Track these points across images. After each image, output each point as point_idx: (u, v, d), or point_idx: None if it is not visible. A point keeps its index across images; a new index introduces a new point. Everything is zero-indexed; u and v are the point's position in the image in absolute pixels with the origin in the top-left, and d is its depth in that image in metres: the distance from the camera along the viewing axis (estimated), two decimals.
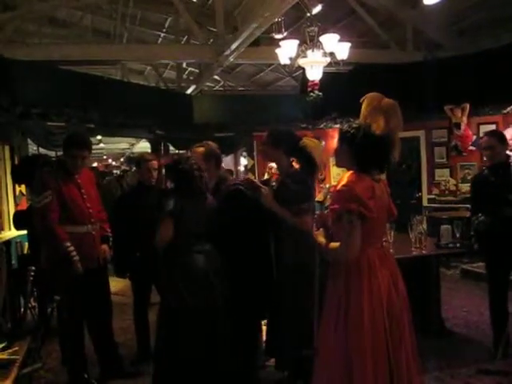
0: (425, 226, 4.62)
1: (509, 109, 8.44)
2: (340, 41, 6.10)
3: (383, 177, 2.80)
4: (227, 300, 3.56)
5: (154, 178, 4.67)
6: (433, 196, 9.39)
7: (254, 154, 11.00)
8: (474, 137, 8.92)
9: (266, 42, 9.13)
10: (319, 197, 3.48)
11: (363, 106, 2.66)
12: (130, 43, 11.46)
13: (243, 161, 14.08)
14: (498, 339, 4.22)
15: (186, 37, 11.49)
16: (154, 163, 4.67)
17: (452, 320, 5.37)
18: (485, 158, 4.63)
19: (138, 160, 4.78)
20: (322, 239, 2.82)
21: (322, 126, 10.24)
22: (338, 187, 2.67)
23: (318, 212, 2.97)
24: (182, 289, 3.45)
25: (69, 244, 3.79)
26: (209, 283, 3.49)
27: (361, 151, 2.66)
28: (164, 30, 12.50)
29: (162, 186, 5.96)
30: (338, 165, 2.88)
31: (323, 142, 4.30)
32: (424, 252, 4.40)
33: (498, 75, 7.95)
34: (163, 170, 5.71)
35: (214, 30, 9.18)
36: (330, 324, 2.70)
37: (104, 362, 4.23)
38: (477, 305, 5.72)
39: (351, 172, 2.70)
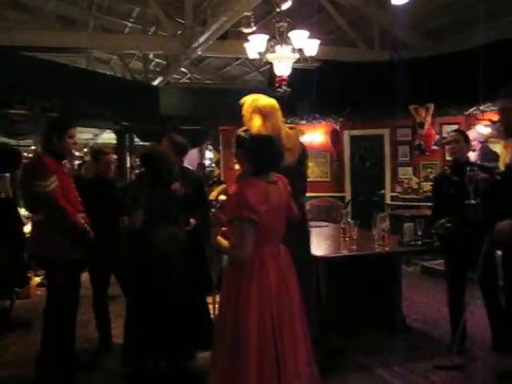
0: (388, 223, 4.68)
1: (471, 110, 8.65)
2: (309, 37, 6.12)
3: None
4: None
5: (111, 171, 4.67)
6: (396, 194, 9.54)
7: (220, 147, 10.97)
8: (437, 136, 9.11)
9: (235, 35, 9.10)
10: (212, 195, 3.59)
11: (243, 109, 2.71)
12: (96, 32, 11.25)
13: (209, 154, 14.03)
14: (455, 335, 4.32)
15: (154, 28, 11.34)
16: (112, 157, 4.69)
17: (412, 316, 5.46)
18: (447, 155, 4.70)
19: (96, 153, 4.72)
20: (216, 235, 2.92)
21: (288, 121, 10.27)
22: (231, 192, 2.78)
23: (213, 210, 3.06)
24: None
25: (79, 219, 3.88)
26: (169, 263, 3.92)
27: (252, 154, 2.75)
28: (131, 20, 12.30)
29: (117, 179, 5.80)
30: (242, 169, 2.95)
31: None
32: (387, 249, 4.46)
33: (462, 77, 8.11)
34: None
35: (183, 21, 9.08)
36: (223, 315, 2.83)
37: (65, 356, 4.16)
38: (436, 301, 5.84)
39: (245, 178, 2.78)
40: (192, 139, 11.74)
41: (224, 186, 3.86)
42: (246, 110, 2.71)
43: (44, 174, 3.73)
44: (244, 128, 2.78)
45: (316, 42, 6.18)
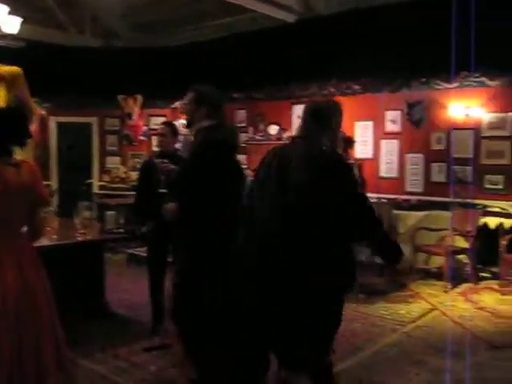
0: (93, 211, 4.70)
1: (176, 104, 9.15)
2: (11, 13, 5.73)
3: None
4: None
5: None
6: (104, 183, 9.56)
7: None
8: (145, 127, 9.43)
9: None
10: None
11: None
12: None
13: None
14: (157, 316, 4.58)
15: None
16: None
17: (116, 303, 5.52)
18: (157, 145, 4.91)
19: None
20: None
21: None
22: None
23: None
24: None
25: None
26: None
27: None
28: None
29: None
30: None
31: None
32: (88, 237, 4.49)
33: (169, 72, 8.53)
34: None
35: None
36: None
37: None
38: (141, 287, 5.93)
39: None
40: None
41: None
42: None
43: None
44: None
45: (18, 20, 5.83)
